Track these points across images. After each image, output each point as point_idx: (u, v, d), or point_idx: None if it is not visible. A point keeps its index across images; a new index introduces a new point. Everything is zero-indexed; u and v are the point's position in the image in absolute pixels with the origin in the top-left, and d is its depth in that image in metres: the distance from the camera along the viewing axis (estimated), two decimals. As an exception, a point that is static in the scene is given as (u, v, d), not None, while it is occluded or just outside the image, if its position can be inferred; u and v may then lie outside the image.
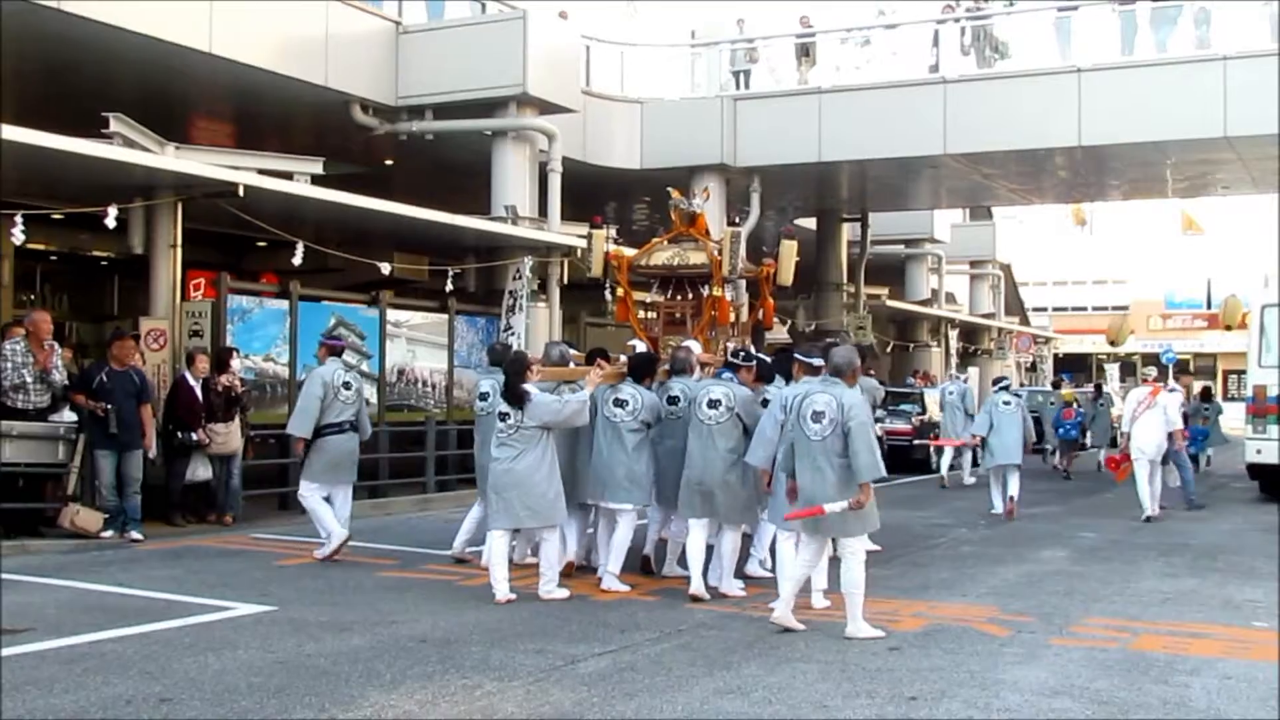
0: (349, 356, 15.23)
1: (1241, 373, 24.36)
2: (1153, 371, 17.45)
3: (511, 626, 7.88)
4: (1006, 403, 16.09)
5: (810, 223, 27.63)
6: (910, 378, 27.25)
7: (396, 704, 6.01)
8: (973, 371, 35.07)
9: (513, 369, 9.12)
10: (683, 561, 9.73)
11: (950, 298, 37.52)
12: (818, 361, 8.30)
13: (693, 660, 7.05)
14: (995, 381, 17.25)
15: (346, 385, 10.80)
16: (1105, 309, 56.50)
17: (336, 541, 10.55)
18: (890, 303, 30.65)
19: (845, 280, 28.34)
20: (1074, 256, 55.52)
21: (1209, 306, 53.28)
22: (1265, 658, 7.42)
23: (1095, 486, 19.85)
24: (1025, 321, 45.87)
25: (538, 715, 5.89)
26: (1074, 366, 49.01)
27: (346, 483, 10.88)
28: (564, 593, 8.90)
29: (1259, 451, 17.45)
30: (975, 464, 19.49)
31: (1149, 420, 15.21)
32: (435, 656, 7.01)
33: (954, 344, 35.15)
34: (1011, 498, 15.37)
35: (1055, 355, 47.22)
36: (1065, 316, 55.50)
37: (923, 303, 33.78)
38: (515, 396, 8.85)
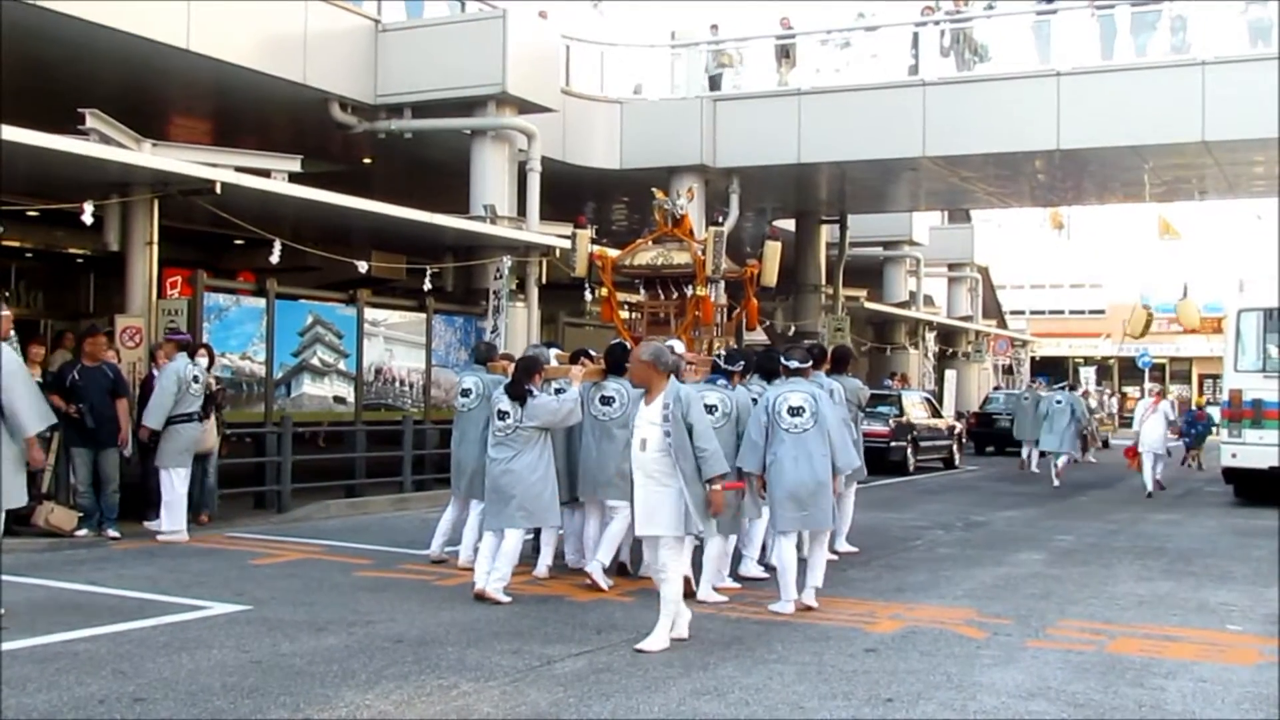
0: (324, 354, 15.27)
1: (1217, 377, 24.65)
2: (1157, 386, 20.91)
3: (488, 626, 7.86)
4: (1059, 401, 21.48)
5: (789, 224, 27.66)
6: (888, 379, 27.27)
7: (372, 704, 5.98)
8: (950, 375, 35.25)
9: (523, 367, 9.12)
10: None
11: (928, 300, 37.65)
12: (794, 363, 8.98)
13: (669, 661, 7.04)
14: (1053, 384, 23.29)
15: (195, 379, 11.99)
16: (1082, 313, 56.70)
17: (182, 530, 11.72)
18: (868, 305, 30.71)
19: (824, 282, 28.37)
20: (1052, 260, 55.73)
21: (1186, 311, 53.53)
22: (1240, 661, 7.46)
23: (1075, 488, 19.98)
24: (1003, 324, 46.03)
25: (514, 715, 5.88)
26: (1051, 369, 49.22)
27: (188, 465, 11.98)
28: (508, 598, 8.71)
29: (1234, 456, 17.53)
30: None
31: (1153, 422, 19.40)
32: (411, 656, 6.98)
33: (931, 346, 35.25)
34: (1058, 467, 20.93)
35: (1032, 358, 47.38)
36: (1043, 320, 55.70)
37: (901, 305, 33.87)
38: (518, 394, 8.82)
